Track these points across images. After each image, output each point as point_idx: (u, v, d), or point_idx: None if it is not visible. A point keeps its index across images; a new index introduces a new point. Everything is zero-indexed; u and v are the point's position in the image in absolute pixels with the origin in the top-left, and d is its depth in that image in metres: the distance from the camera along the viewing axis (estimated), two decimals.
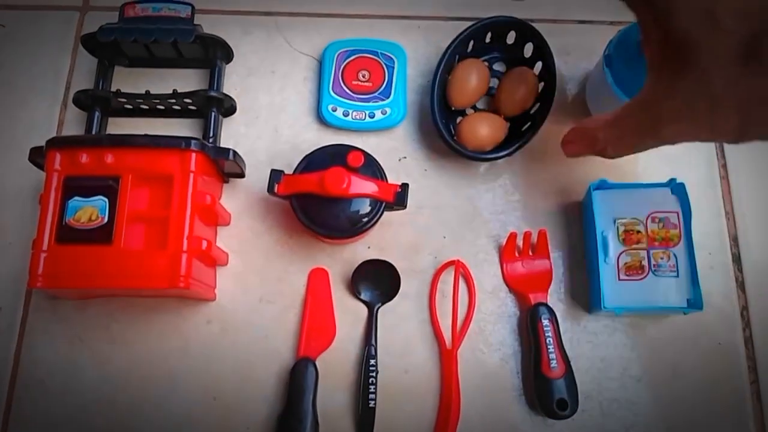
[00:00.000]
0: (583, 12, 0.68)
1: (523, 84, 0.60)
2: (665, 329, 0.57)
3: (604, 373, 0.56)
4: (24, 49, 0.67)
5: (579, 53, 0.66)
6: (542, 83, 0.60)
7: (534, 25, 0.60)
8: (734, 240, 0.60)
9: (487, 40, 0.62)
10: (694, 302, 0.54)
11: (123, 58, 0.65)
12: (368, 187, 0.53)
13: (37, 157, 0.54)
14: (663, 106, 0.38)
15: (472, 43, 0.61)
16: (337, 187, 0.52)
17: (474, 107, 0.63)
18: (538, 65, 0.61)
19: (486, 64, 0.62)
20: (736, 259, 0.60)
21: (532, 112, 0.60)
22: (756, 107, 0.34)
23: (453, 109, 0.62)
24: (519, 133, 0.60)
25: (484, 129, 0.58)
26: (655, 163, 0.62)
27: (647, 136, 0.41)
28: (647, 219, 0.56)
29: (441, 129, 0.58)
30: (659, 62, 0.38)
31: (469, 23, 0.60)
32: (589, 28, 0.67)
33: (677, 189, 0.56)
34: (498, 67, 0.64)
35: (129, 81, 0.65)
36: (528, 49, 0.61)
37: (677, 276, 0.54)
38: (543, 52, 0.59)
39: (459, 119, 0.62)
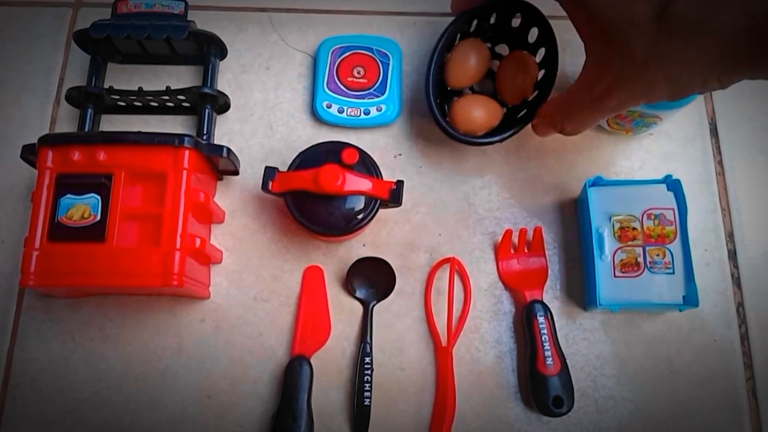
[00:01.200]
0: None
1: (523, 69, 0.58)
2: (661, 326, 0.57)
3: (599, 370, 0.56)
4: (16, 46, 0.66)
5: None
6: (542, 71, 0.58)
7: None
8: (730, 236, 0.60)
9: (492, 20, 0.59)
10: (690, 299, 0.53)
11: (116, 55, 0.64)
12: (363, 184, 0.53)
13: (29, 154, 0.54)
14: (601, 81, 0.43)
15: (475, 22, 0.58)
16: (331, 184, 0.51)
17: (472, 89, 0.62)
18: (541, 52, 0.58)
19: (488, 45, 0.60)
20: (732, 256, 0.60)
21: (530, 99, 0.58)
22: (676, 65, 0.38)
23: (449, 89, 0.61)
24: (514, 120, 0.58)
25: (477, 111, 0.57)
26: (650, 160, 0.62)
27: (595, 111, 0.46)
28: (643, 216, 0.56)
29: (433, 106, 0.56)
30: (590, 44, 0.43)
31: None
32: None
33: (673, 185, 0.56)
34: (500, 50, 0.62)
35: (122, 78, 0.64)
36: (532, 35, 0.59)
37: (673, 273, 0.54)
38: (547, 38, 0.57)
39: (455, 99, 0.60)
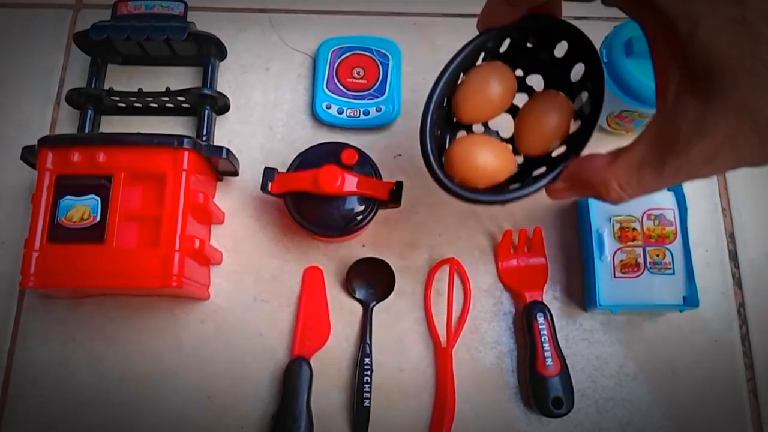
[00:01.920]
0: (578, 8, 0.67)
1: (556, 114, 0.44)
2: (661, 327, 0.57)
3: (599, 371, 0.56)
4: (16, 48, 0.66)
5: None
6: (578, 122, 0.44)
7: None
8: (731, 237, 0.60)
9: (529, 44, 0.45)
10: (690, 300, 0.53)
11: (116, 56, 0.64)
12: (362, 184, 0.53)
13: (29, 156, 0.54)
14: (694, 144, 0.31)
15: (508, 42, 0.44)
16: (331, 184, 0.51)
17: (485, 126, 0.49)
18: (581, 97, 0.44)
19: (517, 73, 0.46)
20: (733, 256, 0.59)
21: (553, 154, 0.44)
22: None
23: (455, 121, 0.47)
24: (526, 175, 0.45)
25: (484, 158, 0.43)
26: None
27: (680, 176, 0.33)
28: (643, 216, 0.56)
29: (427, 140, 0.43)
30: (678, 90, 0.31)
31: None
32: (585, 25, 0.66)
33: (674, 186, 0.56)
34: (532, 81, 0.47)
35: (122, 79, 0.64)
36: (578, 72, 0.44)
37: (673, 273, 0.54)
38: (594, 81, 0.42)
39: (458, 135, 0.48)
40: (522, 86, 0.47)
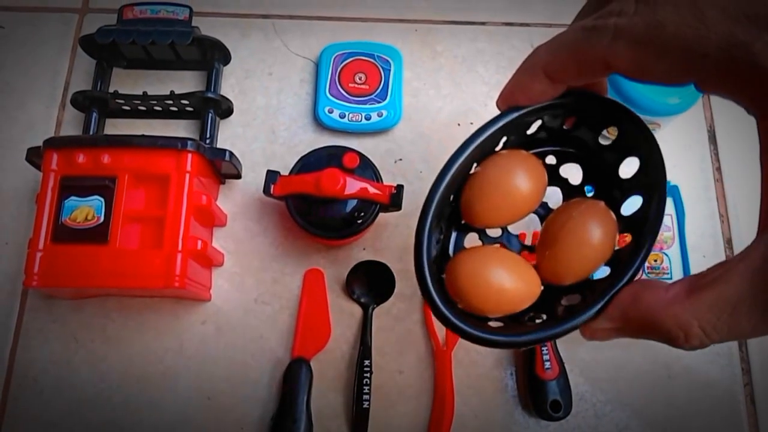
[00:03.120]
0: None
1: (599, 230, 0.33)
2: None
3: (597, 375, 0.56)
4: (23, 50, 0.67)
5: None
6: (628, 236, 0.33)
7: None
8: (728, 243, 0.60)
9: (565, 126, 0.36)
10: None
11: (121, 60, 0.65)
12: (364, 188, 0.54)
13: (35, 157, 0.55)
14: None
15: (538, 125, 0.35)
16: (332, 188, 0.52)
17: (503, 230, 0.38)
18: (633, 203, 0.33)
19: (548, 162, 0.37)
20: None
21: (595, 278, 0.34)
22: None
23: (462, 222, 0.37)
24: (549, 307, 0.34)
25: (498, 279, 0.33)
26: None
27: None
28: None
29: (423, 255, 0.33)
30: None
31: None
32: None
33: (671, 191, 0.57)
34: (567, 174, 0.37)
35: (127, 82, 0.65)
36: (629, 168, 0.34)
37: (670, 278, 0.55)
38: (651, 182, 0.32)
39: (463, 248, 0.38)
40: (553, 178, 0.37)
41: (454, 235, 0.38)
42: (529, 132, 0.35)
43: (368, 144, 0.63)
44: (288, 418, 0.53)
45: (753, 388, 0.56)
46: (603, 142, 0.35)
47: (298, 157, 0.57)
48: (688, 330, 0.26)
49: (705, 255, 0.60)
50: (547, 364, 0.54)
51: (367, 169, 0.56)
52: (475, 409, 0.55)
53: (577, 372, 0.56)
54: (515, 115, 0.33)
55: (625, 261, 0.31)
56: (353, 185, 0.53)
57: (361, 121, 0.62)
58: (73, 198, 0.51)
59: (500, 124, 0.33)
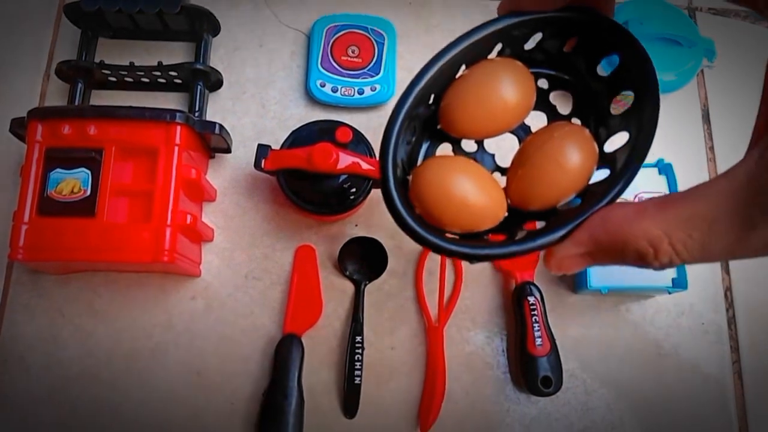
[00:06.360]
0: None
1: (574, 159, 0.31)
2: (649, 309, 0.58)
3: (588, 352, 0.57)
4: (4, 20, 0.65)
5: None
6: (605, 170, 0.31)
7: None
8: None
9: (564, 49, 0.34)
10: (679, 282, 0.54)
11: (107, 29, 0.63)
12: (356, 163, 0.53)
13: (18, 128, 0.53)
14: None
15: (537, 38, 0.33)
16: (325, 162, 0.51)
17: (479, 144, 0.37)
18: (618, 141, 0.31)
19: (540, 85, 0.35)
20: None
21: (559, 205, 0.32)
22: None
23: (439, 128, 0.35)
24: (514, 226, 0.33)
25: (462, 191, 0.31)
26: None
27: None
28: (634, 199, 0.56)
29: (390, 149, 0.31)
30: None
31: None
32: None
33: (665, 169, 0.56)
34: (557, 101, 0.36)
35: (113, 53, 0.63)
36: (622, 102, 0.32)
37: None
38: (643, 121, 0.30)
39: (441, 148, 0.36)
40: (541, 103, 0.35)
41: (427, 144, 0.36)
42: (526, 47, 0.33)
43: (361, 119, 0.62)
44: (279, 394, 0.52)
45: (741, 365, 0.57)
46: (601, 73, 0.33)
47: (289, 132, 0.56)
48: (658, 245, 0.25)
49: None
50: (539, 341, 0.54)
51: (360, 144, 0.55)
52: (466, 386, 0.55)
53: (568, 349, 0.56)
54: (514, 20, 0.31)
55: (600, 192, 0.29)
56: (346, 160, 0.52)
57: (353, 95, 0.61)
58: (58, 170, 0.50)
59: (496, 27, 0.31)
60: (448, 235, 0.31)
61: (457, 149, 0.36)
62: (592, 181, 0.31)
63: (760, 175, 0.23)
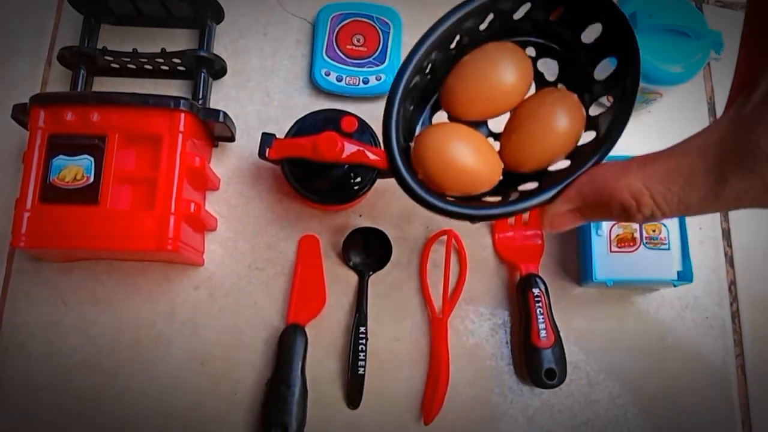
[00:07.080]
0: None
1: (563, 122, 0.34)
2: (654, 302, 0.58)
3: (592, 344, 0.56)
4: (6, 5, 0.64)
5: None
6: (591, 132, 0.35)
7: None
8: (724, 215, 0.60)
9: (551, 18, 0.36)
10: (685, 274, 0.54)
11: (110, 15, 0.62)
12: (362, 153, 0.52)
13: (21, 114, 0.53)
14: None
15: (525, 9, 0.36)
16: (330, 151, 0.51)
17: (483, 125, 0.39)
18: (600, 102, 0.36)
19: (528, 53, 0.37)
20: (726, 235, 0.60)
21: (551, 168, 0.36)
22: None
23: (435, 98, 0.38)
24: (509, 187, 0.36)
25: (461, 156, 0.34)
26: (648, 137, 0.62)
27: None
28: None
29: (392, 119, 0.34)
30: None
31: None
32: None
33: None
34: (544, 68, 0.38)
35: (116, 40, 0.63)
36: (606, 67, 0.35)
37: (668, 248, 0.54)
38: (625, 86, 0.33)
39: (438, 116, 0.39)
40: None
41: (426, 113, 0.38)
42: (515, 17, 0.36)
43: (365, 108, 0.61)
44: (282, 383, 0.52)
45: (744, 359, 0.57)
46: (585, 40, 0.36)
47: (294, 121, 0.55)
48: (640, 198, 0.27)
49: (701, 227, 0.60)
50: (543, 333, 0.54)
51: (365, 133, 0.55)
52: (469, 377, 0.55)
53: (572, 341, 0.56)
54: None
55: (587, 153, 0.32)
56: (351, 149, 0.52)
57: (358, 84, 0.60)
58: (61, 157, 0.50)
59: (479, 4, 0.34)
60: (449, 198, 0.34)
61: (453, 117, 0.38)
62: (580, 143, 0.34)
63: (731, 133, 0.25)
